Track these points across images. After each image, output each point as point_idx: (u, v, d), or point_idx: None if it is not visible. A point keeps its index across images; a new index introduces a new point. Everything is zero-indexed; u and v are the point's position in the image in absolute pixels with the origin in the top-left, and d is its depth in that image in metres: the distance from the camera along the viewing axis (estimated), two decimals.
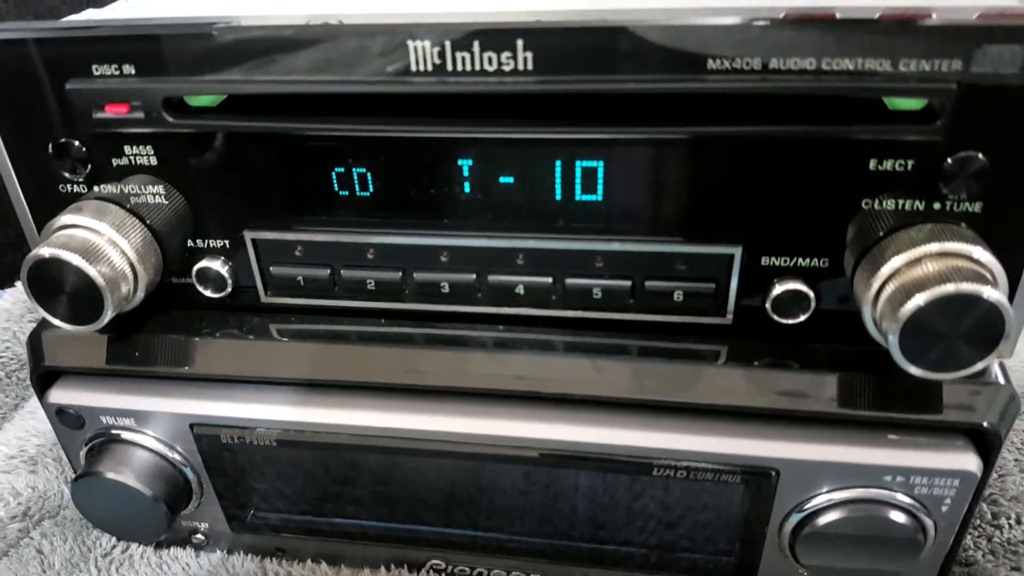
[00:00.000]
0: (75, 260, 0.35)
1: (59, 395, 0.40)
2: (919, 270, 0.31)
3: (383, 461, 0.40)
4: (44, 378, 0.40)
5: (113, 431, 0.40)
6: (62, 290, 0.36)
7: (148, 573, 0.43)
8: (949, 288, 0.29)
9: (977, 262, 0.31)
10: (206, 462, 0.40)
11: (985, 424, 0.33)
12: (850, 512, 0.34)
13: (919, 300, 0.30)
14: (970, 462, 0.33)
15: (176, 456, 0.40)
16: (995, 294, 0.29)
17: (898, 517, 0.34)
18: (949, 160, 0.31)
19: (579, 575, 0.41)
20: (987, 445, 0.33)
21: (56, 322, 0.37)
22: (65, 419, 0.40)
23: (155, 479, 0.39)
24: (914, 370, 0.31)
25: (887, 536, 0.34)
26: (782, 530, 0.36)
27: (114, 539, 0.45)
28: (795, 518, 0.35)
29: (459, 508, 0.41)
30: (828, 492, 0.34)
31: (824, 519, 0.34)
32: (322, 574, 0.43)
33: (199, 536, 0.44)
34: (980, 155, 0.31)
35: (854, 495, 0.34)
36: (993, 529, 0.43)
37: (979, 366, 0.31)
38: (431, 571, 0.42)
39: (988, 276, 0.30)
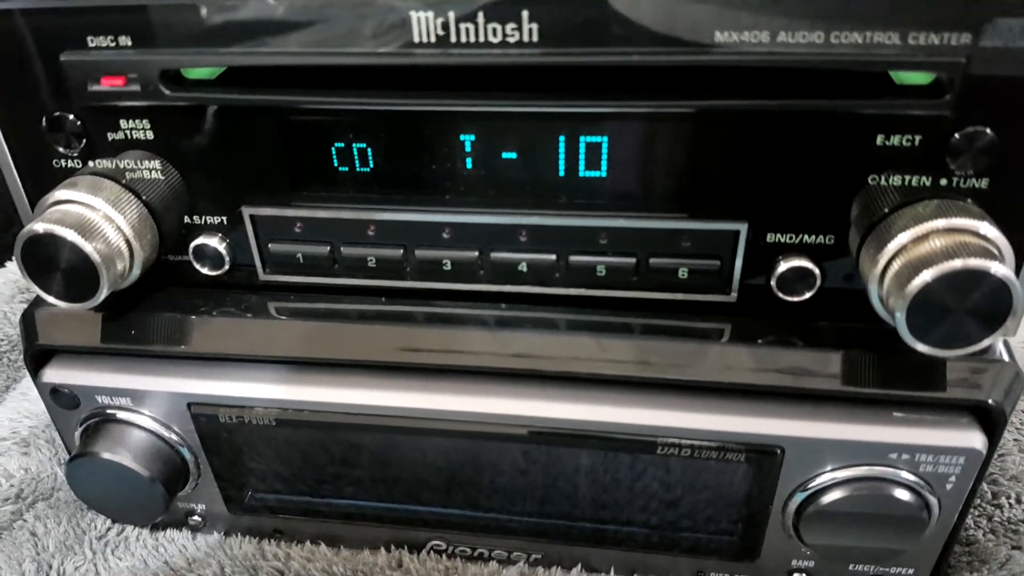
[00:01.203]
0: (70, 236, 0.35)
1: (53, 374, 0.39)
2: (926, 246, 0.30)
3: (383, 441, 0.39)
4: (38, 357, 0.40)
5: (109, 411, 0.39)
6: (57, 267, 0.35)
7: (144, 555, 0.42)
8: (956, 264, 0.29)
9: (984, 238, 0.30)
10: (204, 442, 0.40)
11: (990, 401, 0.33)
12: (854, 490, 0.34)
13: (926, 276, 0.30)
14: (975, 439, 0.33)
15: (173, 436, 0.40)
16: (1003, 269, 0.29)
17: (903, 495, 0.34)
18: (957, 135, 0.31)
19: (580, 555, 0.41)
20: (992, 422, 0.33)
21: (50, 299, 0.36)
22: (60, 399, 0.40)
23: (152, 459, 0.39)
24: (921, 347, 0.31)
25: (891, 514, 0.34)
26: (786, 509, 0.36)
27: (109, 521, 0.45)
28: (799, 497, 0.35)
29: (460, 488, 0.40)
30: (832, 470, 0.34)
31: (828, 497, 0.34)
32: (321, 555, 0.42)
33: (196, 518, 0.44)
34: (988, 130, 0.31)
35: (859, 473, 0.34)
36: (993, 508, 0.43)
37: (986, 342, 0.30)
38: (432, 551, 0.42)
39: (995, 252, 0.30)
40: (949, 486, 0.34)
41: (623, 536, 0.40)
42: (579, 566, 0.41)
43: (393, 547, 0.42)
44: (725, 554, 0.39)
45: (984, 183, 0.32)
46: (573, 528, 0.40)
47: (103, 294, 0.36)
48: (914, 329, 0.31)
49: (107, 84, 0.35)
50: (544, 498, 0.40)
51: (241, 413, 0.38)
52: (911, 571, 0.38)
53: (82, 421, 0.40)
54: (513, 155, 0.35)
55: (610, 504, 0.39)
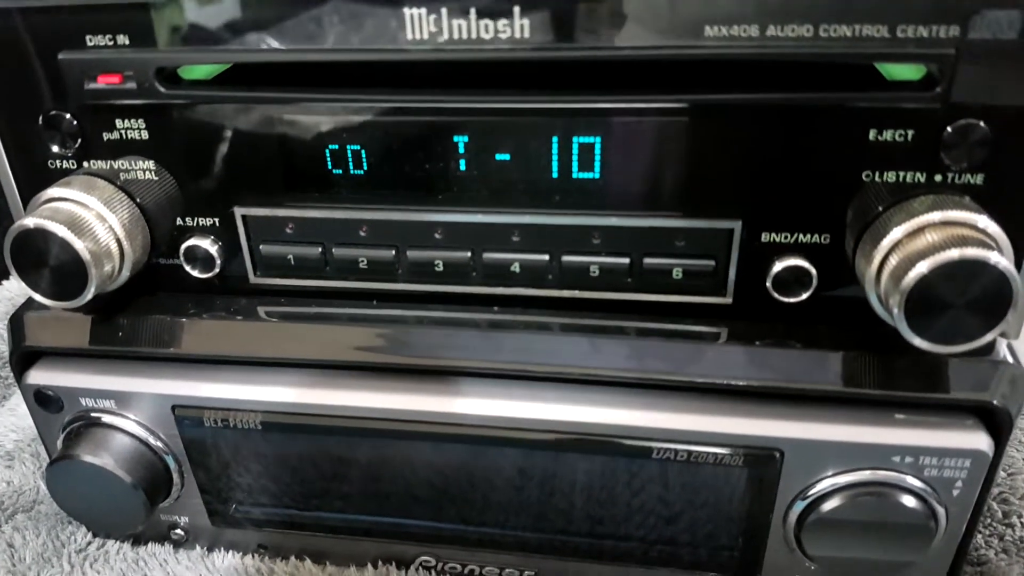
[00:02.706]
0: (61, 232, 0.35)
1: (38, 375, 0.39)
2: (922, 240, 0.30)
3: (371, 449, 0.38)
4: (24, 360, 0.39)
5: (93, 414, 0.38)
6: (46, 263, 0.35)
7: (124, 568, 0.41)
8: (953, 254, 0.29)
9: (982, 231, 0.30)
10: (188, 449, 0.39)
11: (995, 402, 0.32)
12: (857, 496, 0.33)
13: (922, 268, 0.29)
14: (981, 441, 0.32)
15: (157, 443, 0.39)
16: (1002, 260, 0.29)
17: (908, 501, 0.32)
18: (949, 129, 0.31)
19: (576, 572, 0.39)
20: (998, 424, 0.32)
21: (38, 297, 0.36)
22: (44, 402, 0.39)
23: (134, 465, 0.38)
24: (921, 343, 0.30)
25: (897, 522, 0.33)
26: (787, 519, 0.35)
27: (90, 535, 0.44)
28: (800, 505, 0.34)
29: (450, 502, 0.39)
30: (834, 475, 0.33)
31: (830, 504, 0.33)
32: (306, 571, 0.41)
33: (178, 532, 0.43)
34: (981, 123, 0.31)
35: (861, 478, 0.33)
36: (1005, 528, 0.41)
37: (988, 336, 0.30)
38: (420, 568, 0.40)
39: (993, 245, 0.30)
40: (956, 492, 0.33)
41: (620, 551, 0.38)
42: None
43: (380, 563, 0.41)
44: (726, 569, 0.37)
45: (980, 179, 0.32)
46: (568, 543, 0.39)
47: (91, 293, 0.36)
48: (913, 324, 0.30)
49: (104, 82, 0.35)
50: (538, 512, 0.38)
51: (226, 416, 0.37)
52: None
53: (65, 426, 0.39)
54: (507, 156, 0.35)
55: (606, 518, 0.38)
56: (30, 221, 0.35)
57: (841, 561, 0.35)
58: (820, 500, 0.33)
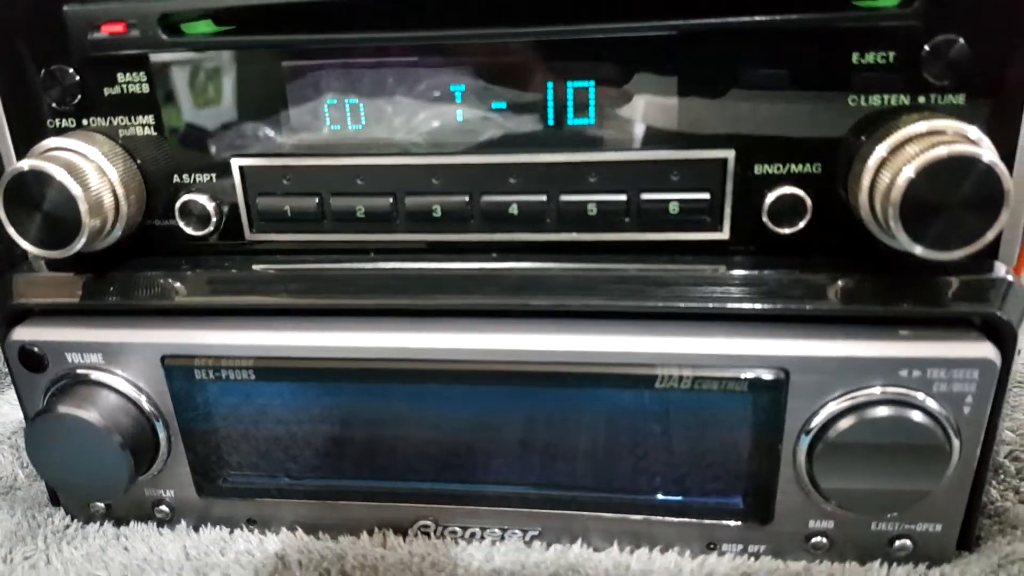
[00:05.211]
0: (59, 175, 0.35)
1: (24, 332, 0.37)
2: (909, 149, 0.31)
3: (367, 405, 0.37)
4: (11, 319, 0.38)
5: (79, 371, 0.37)
6: (39, 208, 0.35)
7: (103, 544, 0.39)
8: (941, 151, 0.29)
9: (968, 138, 0.31)
10: (177, 406, 0.37)
11: (998, 313, 0.31)
12: (867, 416, 0.32)
13: (909, 172, 0.30)
14: (987, 350, 0.31)
15: (145, 403, 0.37)
16: (990, 155, 0.29)
17: (919, 418, 0.32)
18: (927, 47, 0.32)
19: (581, 529, 0.37)
20: (1002, 337, 0.32)
21: (26, 245, 0.36)
22: (27, 360, 0.37)
23: (121, 424, 0.36)
24: (921, 250, 0.30)
25: (909, 444, 0.32)
26: (797, 453, 0.34)
27: (68, 518, 0.41)
28: (809, 436, 0.33)
29: (448, 459, 0.38)
30: (842, 397, 0.32)
31: (841, 426, 0.32)
32: (298, 541, 0.39)
33: (163, 508, 0.40)
34: (960, 39, 0.32)
35: (870, 396, 0.32)
36: (1019, 480, 0.40)
37: (986, 237, 0.30)
38: (419, 533, 0.38)
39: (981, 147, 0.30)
40: (967, 409, 0.32)
41: (626, 502, 0.37)
42: (580, 541, 0.37)
43: (377, 529, 0.39)
44: (736, 515, 0.36)
45: (961, 99, 0.33)
46: (572, 497, 0.37)
47: (81, 242, 0.35)
48: (910, 231, 0.30)
49: (107, 31, 0.36)
50: (540, 465, 0.37)
51: (217, 364, 0.36)
52: (938, 527, 0.35)
53: (48, 386, 0.38)
54: (503, 105, 0.35)
55: (611, 466, 0.36)
56: (26, 163, 0.35)
57: (855, 495, 0.33)
58: (830, 424, 0.32)
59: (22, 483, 0.44)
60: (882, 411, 0.32)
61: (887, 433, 0.32)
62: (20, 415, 0.40)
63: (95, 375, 0.37)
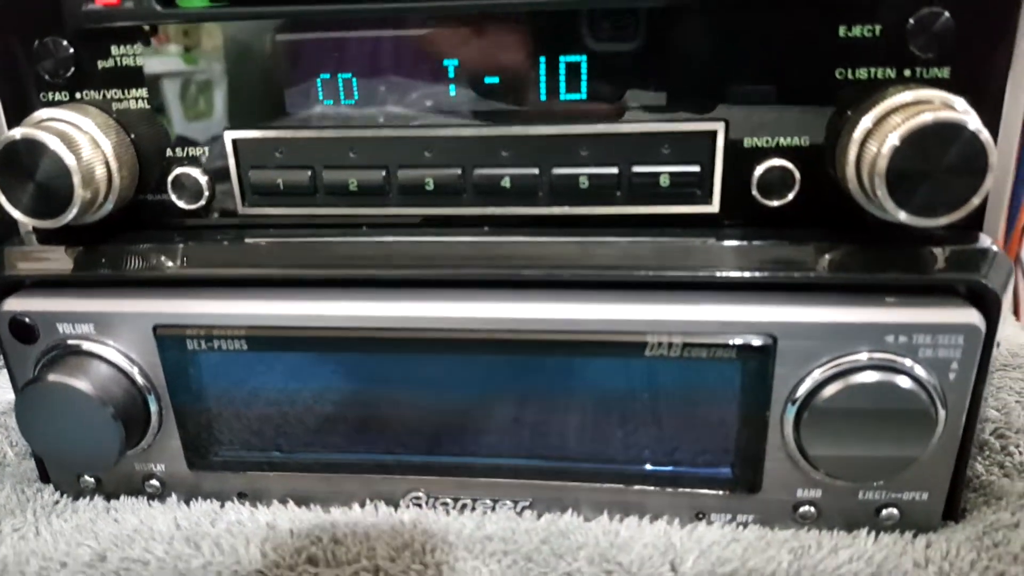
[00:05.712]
0: (52, 143, 0.35)
1: (15, 303, 0.37)
2: (894, 119, 0.31)
3: (358, 376, 0.37)
4: (2, 290, 0.38)
5: (70, 341, 0.37)
6: (31, 177, 0.35)
7: (93, 517, 0.39)
8: (927, 117, 0.30)
9: (953, 107, 0.31)
10: (169, 378, 0.37)
11: (983, 280, 0.32)
12: (854, 382, 0.32)
13: (894, 140, 0.30)
14: (972, 315, 0.32)
15: (137, 375, 0.37)
16: (974, 121, 0.30)
17: (905, 383, 0.32)
18: (912, 19, 0.33)
19: (571, 499, 0.38)
20: (987, 304, 0.32)
21: (17, 215, 0.36)
22: (18, 331, 0.37)
23: (112, 393, 0.36)
24: (906, 217, 0.31)
25: (896, 409, 0.32)
26: (784, 421, 0.34)
27: (58, 493, 0.41)
28: (796, 404, 0.33)
29: (439, 430, 0.38)
30: (829, 363, 0.33)
31: (828, 391, 0.33)
32: (290, 512, 0.39)
33: (153, 483, 0.40)
34: (945, 12, 0.32)
35: (856, 361, 0.32)
36: (1004, 456, 0.41)
37: (974, 201, 0.30)
38: (411, 504, 0.38)
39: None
40: (952, 375, 0.32)
41: (616, 472, 0.37)
42: (570, 511, 0.37)
43: (368, 501, 0.39)
44: (724, 484, 0.36)
45: (946, 72, 0.33)
46: (563, 468, 0.37)
47: (73, 212, 0.35)
48: (896, 197, 0.31)
49: (101, 2, 0.36)
50: (531, 435, 0.37)
51: (210, 334, 0.36)
52: (924, 496, 0.35)
53: (39, 357, 0.38)
54: (495, 80, 0.35)
55: (601, 436, 0.37)
56: (18, 132, 0.35)
57: (842, 462, 0.34)
58: (817, 390, 0.33)
59: (11, 460, 0.44)
60: (869, 376, 0.32)
61: (874, 399, 0.32)
62: (10, 396, 0.40)
63: (87, 345, 0.37)
